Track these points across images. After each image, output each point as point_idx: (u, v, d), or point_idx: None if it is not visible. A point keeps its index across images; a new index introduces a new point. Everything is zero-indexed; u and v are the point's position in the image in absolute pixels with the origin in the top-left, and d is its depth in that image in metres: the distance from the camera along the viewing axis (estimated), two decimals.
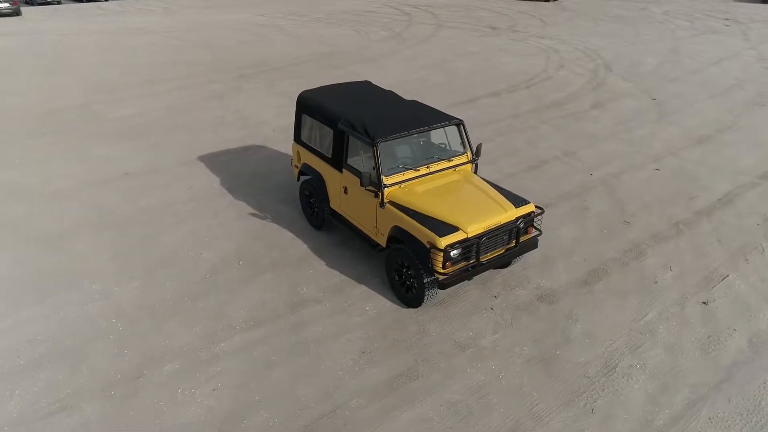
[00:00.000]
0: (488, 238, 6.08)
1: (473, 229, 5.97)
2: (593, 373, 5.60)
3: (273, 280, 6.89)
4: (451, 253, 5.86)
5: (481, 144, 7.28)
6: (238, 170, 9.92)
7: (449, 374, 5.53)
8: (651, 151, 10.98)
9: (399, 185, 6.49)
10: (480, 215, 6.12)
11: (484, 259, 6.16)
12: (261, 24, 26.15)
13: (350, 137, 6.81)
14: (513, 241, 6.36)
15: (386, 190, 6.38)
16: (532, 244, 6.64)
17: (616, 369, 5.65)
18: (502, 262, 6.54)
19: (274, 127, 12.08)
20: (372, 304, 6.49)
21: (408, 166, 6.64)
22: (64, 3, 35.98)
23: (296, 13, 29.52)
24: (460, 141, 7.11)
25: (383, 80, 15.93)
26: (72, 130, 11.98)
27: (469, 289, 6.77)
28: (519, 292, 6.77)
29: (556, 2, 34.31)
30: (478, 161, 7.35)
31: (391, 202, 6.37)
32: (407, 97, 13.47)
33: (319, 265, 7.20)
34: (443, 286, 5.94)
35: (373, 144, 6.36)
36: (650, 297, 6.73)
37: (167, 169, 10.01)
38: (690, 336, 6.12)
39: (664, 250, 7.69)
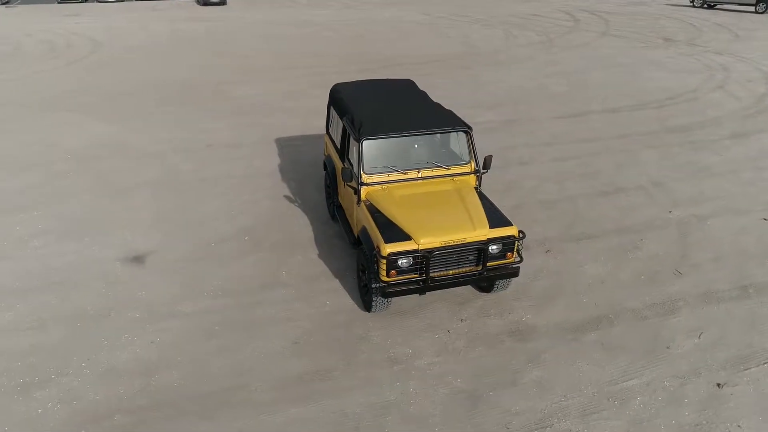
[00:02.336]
0: (444, 255, 5.66)
1: (426, 241, 5.59)
2: (517, 426, 4.91)
3: (263, 259, 7.23)
4: (399, 262, 5.58)
5: (491, 156, 6.72)
6: (301, 155, 10.46)
7: (362, 385, 5.30)
8: None
9: (381, 186, 6.33)
10: (441, 229, 5.70)
11: (437, 275, 5.75)
12: (418, 22, 26.73)
13: (349, 132, 6.81)
14: (480, 264, 5.81)
15: (363, 189, 6.28)
16: (510, 272, 5.98)
17: (548, 430, 4.88)
18: (463, 284, 5.99)
19: None
20: (334, 300, 6.45)
21: (395, 168, 6.42)
22: None
23: (460, 14, 29.52)
24: (467, 150, 6.66)
25: (500, 84, 15.32)
26: (195, 104, 13.71)
27: (440, 305, 6.35)
28: (492, 321, 6.15)
29: None
30: (484, 173, 6.78)
31: (367, 202, 6.25)
32: (504, 104, 12.86)
33: (311, 254, 7.35)
34: (385, 294, 5.68)
35: (358, 140, 6.30)
36: (648, 361, 5.62)
37: (245, 146, 10.96)
38: (671, 417, 5.00)
39: (708, 313, 6.32)
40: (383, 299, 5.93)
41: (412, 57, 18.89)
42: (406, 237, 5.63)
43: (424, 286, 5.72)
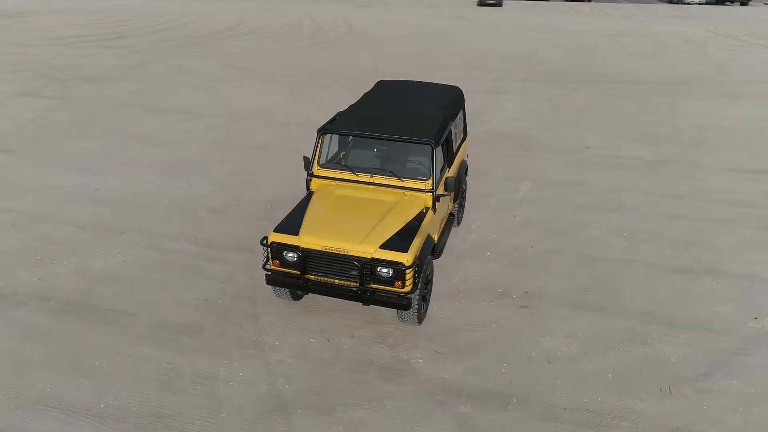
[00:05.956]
0: (324, 260, 5.46)
1: (307, 240, 5.47)
2: None
3: (260, 227, 7.79)
4: (284, 254, 5.60)
5: (453, 178, 6.00)
6: None
7: (209, 353, 5.52)
8: None
9: (331, 181, 6.32)
10: (329, 233, 5.48)
11: (319, 279, 5.58)
12: (687, 39, 22.89)
13: None
14: (359, 281, 5.38)
15: (312, 180, 6.38)
16: (395, 302, 5.37)
17: None
18: (343, 297, 5.60)
19: (483, 129, 11.82)
20: None
21: (350, 167, 6.29)
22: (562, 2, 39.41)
23: (761, 36, 24.06)
24: (429, 166, 6.07)
25: (694, 119, 12.71)
26: (354, 88, 14.75)
27: (348, 316, 6.05)
28: (378, 349, 5.62)
29: None
30: (442, 196, 6.08)
31: (311, 193, 6.33)
32: (674, 141, 11.08)
33: None
34: (268, 281, 5.78)
35: (318, 132, 6.39)
36: None
37: None
38: None
39: None
40: (276, 288, 6.00)
41: (626, 76, 16.55)
42: (295, 231, 5.60)
43: (301, 285, 5.62)
